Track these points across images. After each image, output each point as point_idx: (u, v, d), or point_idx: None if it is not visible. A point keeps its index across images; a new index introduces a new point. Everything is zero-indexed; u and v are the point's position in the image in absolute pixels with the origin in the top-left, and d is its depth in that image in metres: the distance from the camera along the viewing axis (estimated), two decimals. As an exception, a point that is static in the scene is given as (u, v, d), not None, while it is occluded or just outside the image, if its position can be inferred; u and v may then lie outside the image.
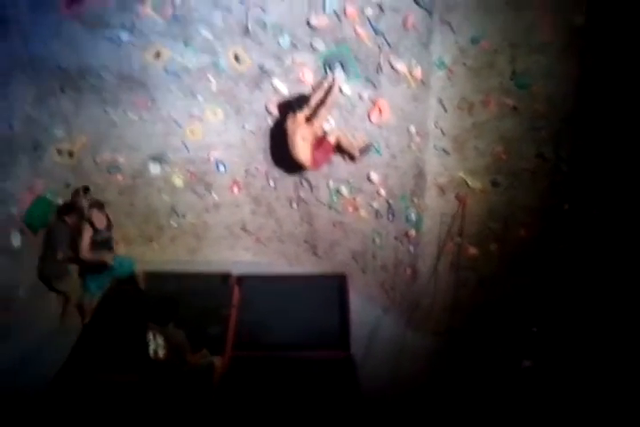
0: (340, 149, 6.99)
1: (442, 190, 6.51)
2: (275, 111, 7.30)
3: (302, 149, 6.72)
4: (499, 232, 6.62)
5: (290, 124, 6.76)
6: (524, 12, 5.44)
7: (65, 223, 7.07)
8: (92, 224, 6.94)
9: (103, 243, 7.11)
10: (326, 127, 7.01)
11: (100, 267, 7.09)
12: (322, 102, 6.70)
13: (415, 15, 5.73)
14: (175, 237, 8.75)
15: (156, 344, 5.53)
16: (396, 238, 7.19)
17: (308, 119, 6.66)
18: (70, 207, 7.20)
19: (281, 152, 7.23)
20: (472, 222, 6.57)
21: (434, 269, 6.98)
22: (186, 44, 6.86)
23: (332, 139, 6.80)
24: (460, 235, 6.67)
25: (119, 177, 8.11)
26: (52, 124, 7.42)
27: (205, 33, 6.78)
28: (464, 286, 6.98)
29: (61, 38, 6.84)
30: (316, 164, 6.94)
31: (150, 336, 5.56)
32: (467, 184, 6.39)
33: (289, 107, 6.82)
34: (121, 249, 8.03)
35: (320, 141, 6.81)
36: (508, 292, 6.75)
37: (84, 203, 7.32)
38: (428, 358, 6.87)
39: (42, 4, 6.56)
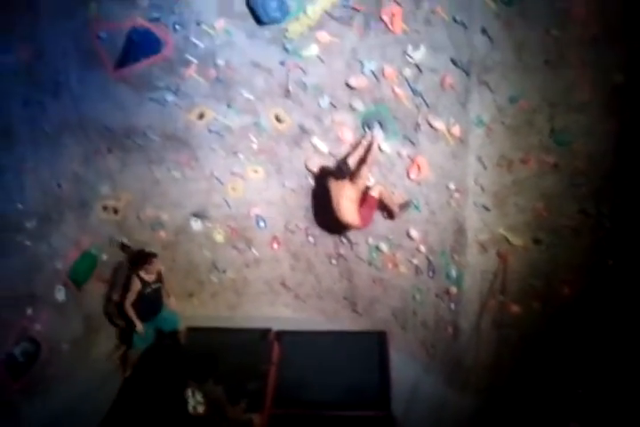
0: (381, 204, 7.01)
1: (483, 247, 6.46)
2: (315, 170, 7.40)
3: (349, 210, 6.70)
4: (541, 290, 6.50)
5: (334, 186, 6.78)
6: (562, 71, 5.47)
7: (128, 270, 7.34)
8: (141, 279, 7.07)
9: (151, 295, 7.23)
10: (368, 183, 7.03)
11: (147, 314, 7.22)
12: (362, 161, 6.77)
13: (453, 75, 5.81)
14: (215, 292, 8.80)
15: (195, 401, 5.54)
16: (436, 295, 7.11)
17: (351, 179, 6.68)
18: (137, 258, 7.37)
19: (324, 212, 7.31)
20: (514, 280, 6.48)
21: (475, 326, 6.86)
22: (228, 104, 7.05)
23: (375, 193, 6.81)
24: (501, 292, 6.57)
25: (162, 233, 8.26)
26: (98, 182, 7.64)
27: (247, 94, 6.95)
28: (506, 344, 6.83)
29: (109, 99, 7.09)
30: (365, 222, 6.91)
31: (189, 393, 5.56)
32: (508, 241, 6.33)
33: (333, 173, 6.85)
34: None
35: (364, 198, 6.82)
36: (552, 351, 6.59)
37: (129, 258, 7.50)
38: (469, 418, 6.72)
39: (92, 67, 6.82)
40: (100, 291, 8.00)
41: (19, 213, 6.32)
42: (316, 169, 7.45)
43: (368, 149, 6.76)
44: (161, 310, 7.40)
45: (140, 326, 7.13)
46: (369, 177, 7.03)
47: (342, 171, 6.65)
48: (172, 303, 7.68)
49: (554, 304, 6.50)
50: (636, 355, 5.96)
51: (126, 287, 7.27)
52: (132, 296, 7.07)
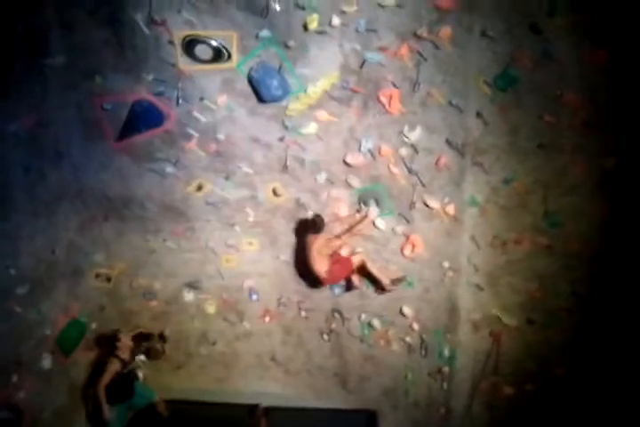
0: (368, 275, 7.03)
1: (475, 327, 6.43)
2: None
3: (317, 260, 6.88)
4: (534, 371, 6.44)
5: (308, 238, 6.96)
6: (555, 155, 5.63)
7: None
8: (120, 359, 6.99)
9: (127, 376, 7.12)
10: (356, 250, 7.10)
11: (121, 396, 6.99)
12: (349, 228, 6.91)
13: (448, 156, 5.95)
14: (204, 365, 8.61)
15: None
16: (429, 375, 7.01)
17: (320, 234, 6.88)
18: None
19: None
20: (507, 361, 6.43)
21: (468, 408, 6.73)
22: (227, 177, 7.13)
23: (355, 259, 6.92)
24: (494, 373, 6.50)
25: (153, 303, 8.17)
26: (92, 249, 7.60)
27: (246, 168, 7.03)
28: (499, 426, 6.69)
29: (109, 169, 7.14)
30: (332, 277, 7.02)
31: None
32: (501, 321, 6.32)
33: (308, 225, 7.03)
34: (148, 376, 7.92)
35: (339, 258, 6.92)
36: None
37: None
38: None
39: (94, 137, 6.92)
40: (88, 360, 7.84)
41: (11, 278, 6.24)
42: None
43: (359, 221, 6.85)
44: (135, 390, 7.20)
45: (107, 413, 6.92)
46: (353, 245, 7.10)
47: (315, 224, 6.86)
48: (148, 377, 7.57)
49: (547, 386, 6.41)
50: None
51: (101, 368, 7.08)
52: (107, 378, 6.89)
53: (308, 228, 6.99)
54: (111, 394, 7.00)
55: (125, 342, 7.11)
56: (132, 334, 7.34)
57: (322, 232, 6.86)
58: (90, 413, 7.43)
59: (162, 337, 7.73)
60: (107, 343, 7.28)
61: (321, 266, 6.90)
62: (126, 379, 6.98)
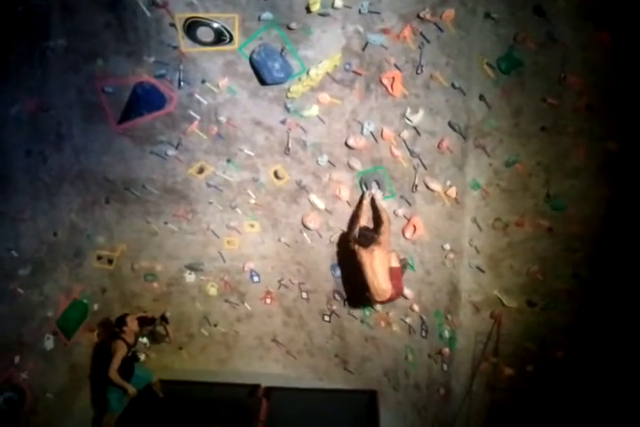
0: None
1: (476, 308, 6.47)
2: (311, 226, 7.43)
3: (383, 276, 6.37)
4: (535, 353, 6.50)
5: (365, 255, 6.44)
6: (557, 138, 5.61)
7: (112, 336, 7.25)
8: (126, 343, 7.04)
9: (130, 358, 7.17)
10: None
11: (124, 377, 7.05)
12: (380, 221, 6.60)
13: (450, 138, 5.94)
14: (205, 346, 8.73)
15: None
16: (429, 356, 7.07)
17: (379, 244, 6.41)
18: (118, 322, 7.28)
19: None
20: (507, 342, 6.49)
21: (468, 389, 6.81)
22: (228, 160, 7.14)
23: (395, 262, 6.64)
24: (495, 355, 6.56)
25: (155, 284, 8.23)
26: (94, 232, 7.66)
27: (247, 151, 7.05)
28: (499, 407, 6.78)
29: (111, 152, 7.17)
30: (396, 292, 6.54)
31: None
32: (502, 303, 6.36)
33: (359, 242, 6.48)
34: (150, 357, 8.00)
35: (392, 269, 6.54)
36: (545, 415, 6.53)
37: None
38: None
39: (95, 120, 6.92)
40: (90, 341, 7.93)
41: (13, 260, 6.28)
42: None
43: (376, 208, 6.72)
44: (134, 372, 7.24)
45: (132, 389, 6.99)
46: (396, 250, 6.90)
47: (367, 238, 6.42)
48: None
49: (547, 367, 6.48)
50: (631, 418, 5.92)
51: (108, 353, 7.07)
52: (118, 362, 6.91)
53: (360, 244, 6.48)
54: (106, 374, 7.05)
55: (132, 326, 7.15)
56: (135, 316, 7.38)
57: (376, 240, 6.41)
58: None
59: (164, 319, 7.78)
60: (112, 327, 7.31)
61: (386, 283, 6.40)
62: (126, 361, 7.03)
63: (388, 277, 6.39)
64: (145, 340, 7.61)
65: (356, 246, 6.50)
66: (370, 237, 6.40)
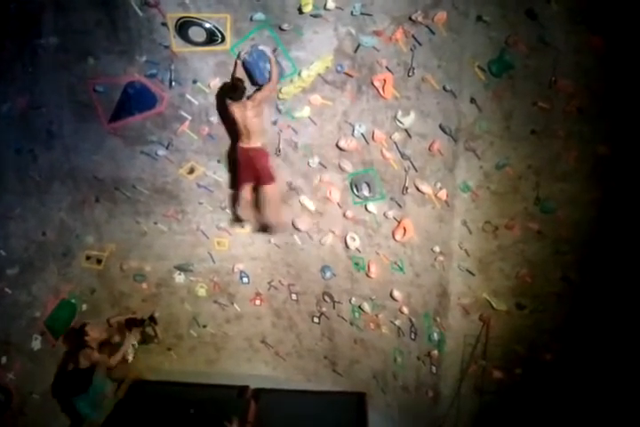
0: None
1: (466, 311, 6.48)
2: (301, 227, 7.42)
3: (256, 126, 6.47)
4: (523, 355, 6.52)
5: (235, 109, 6.40)
6: (548, 141, 5.63)
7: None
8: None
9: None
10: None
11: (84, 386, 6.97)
12: (268, 87, 6.36)
13: (441, 141, 5.95)
14: (194, 347, 8.70)
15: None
16: (418, 358, 7.08)
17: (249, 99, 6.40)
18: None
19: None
20: (496, 345, 6.50)
21: (457, 391, 6.81)
22: (219, 161, 7.13)
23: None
24: (483, 357, 6.57)
25: (144, 285, 8.20)
26: (83, 231, 7.62)
27: (239, 152, 7.02)
28: (488, 410, 6.78)
29: (101, 151, 7.15)
30: (265, 172, 6.77)
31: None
32: (491, 306, 6.37)
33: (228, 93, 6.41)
34: (138, 357, 7.95)
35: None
36: (534, 419, 6.54)
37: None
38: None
39: (86, 119, 6.91)
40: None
41: (1, 259, 6.25)
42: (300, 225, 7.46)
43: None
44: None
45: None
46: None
47: (238, 90, 6.33)
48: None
49: (536, 370, 6.50)
50: (620, 419, 5.94)
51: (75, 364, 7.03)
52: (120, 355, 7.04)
53: (227, 93, 6.41)
54: (69, 386, 7.01)
55: (93, 334, 7.03)
56: (125, 318, 7.35)
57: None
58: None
59: (152, 319, 7.75)
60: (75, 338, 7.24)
61: (260, 133, 6.56)
62: (86, 371, 6.95)
63: (260, 133, 6.54)
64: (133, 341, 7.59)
65: (227, 99, 6.44)
66: (241, 89, 6.32)
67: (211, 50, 6.28)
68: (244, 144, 6.59)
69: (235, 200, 7.20)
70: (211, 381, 8.04)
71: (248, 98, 6.39)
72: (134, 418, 7.13)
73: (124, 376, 7.75)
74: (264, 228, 7.40)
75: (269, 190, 6.90)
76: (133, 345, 7.65)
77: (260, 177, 6.82)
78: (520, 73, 5.42)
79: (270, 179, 6.84)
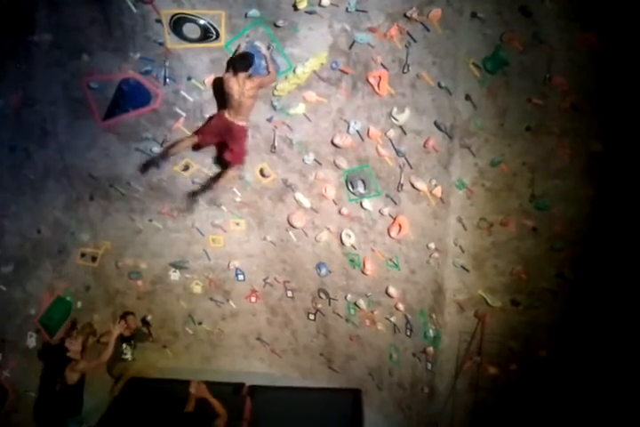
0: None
1: (461, 307, 6.49)
2: (297, 224, 7.44)
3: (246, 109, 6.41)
4: (518, 352, 6.52)
5: (232, 84, 6.25)
6: (542, 138, 5.63)
7: None
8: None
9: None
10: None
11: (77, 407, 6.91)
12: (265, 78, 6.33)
13: (436, 138, 5.94)
14: (190, 344, 8.71)
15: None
16: (413, 355, 7.09)
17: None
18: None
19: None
20: (492, 341, 6.50)
21: (452, 388, 6.82)
22: (213, 158, 7.12)
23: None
24: (479, 353, 6.57)
25: (139, 282, 8.19)
26: (78, 229, 7.59)
27: (233, 148, 7.00)
28: (483, 406, 6.79)
29: (96, 148, 7.12)
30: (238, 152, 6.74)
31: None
32: (486, 302, 6.38)
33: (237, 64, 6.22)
34: (135, 355, 7.96)
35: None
36: (529, 415, 6.55)
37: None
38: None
39: (80, 116, 6.87)
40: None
41: (-4, 257, 6.26)
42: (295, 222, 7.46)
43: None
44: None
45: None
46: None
47: (246, 62, 6.17)
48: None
49: (531, 366, 6.50)
50: (615, 416, 5.96)
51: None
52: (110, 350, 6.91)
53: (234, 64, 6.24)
54: (62, 409, 6.84)
55: (75, 347, 6.78)
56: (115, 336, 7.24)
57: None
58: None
59: (145, 322, 7.76)
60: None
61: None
62: (76, 389, 6.83)
63: (248, 113, 6.44)
64: (125, 345, 7.69)
65: (230, 71, 6.26)
66: (249, 60, 6.17)
67: (205, 46, 6.26)
68: (230, 117, 6.45)
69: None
70: (206, 378, 7.99)
71: (249, 77, 6.25)
72: (130, 415, 7.13)
73: (121, 373, 7.76)
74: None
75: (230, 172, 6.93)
76: (131, 345, 7.66)
77: (229, 152, 6.70)
78: (515, 70, 5.43)
79: (239, 160, 6.80)
